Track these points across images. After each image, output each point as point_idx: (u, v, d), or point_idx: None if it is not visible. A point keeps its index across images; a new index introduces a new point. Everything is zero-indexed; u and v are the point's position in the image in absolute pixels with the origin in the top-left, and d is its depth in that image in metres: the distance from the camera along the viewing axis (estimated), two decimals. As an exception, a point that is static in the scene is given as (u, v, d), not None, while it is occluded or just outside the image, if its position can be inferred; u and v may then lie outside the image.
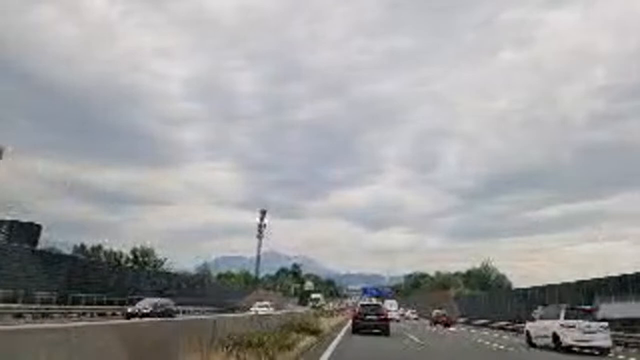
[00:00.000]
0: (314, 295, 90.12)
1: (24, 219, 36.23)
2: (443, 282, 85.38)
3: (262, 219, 63.35)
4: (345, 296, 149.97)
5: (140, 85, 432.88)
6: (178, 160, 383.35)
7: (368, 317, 22.82)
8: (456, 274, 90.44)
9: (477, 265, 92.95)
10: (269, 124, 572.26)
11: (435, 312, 42.55)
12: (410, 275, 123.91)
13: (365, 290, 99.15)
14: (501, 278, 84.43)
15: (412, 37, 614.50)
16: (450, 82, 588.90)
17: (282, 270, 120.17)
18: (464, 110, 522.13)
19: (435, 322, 40.58)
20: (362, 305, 25.41)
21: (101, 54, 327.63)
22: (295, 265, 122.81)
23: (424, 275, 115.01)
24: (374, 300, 58.71)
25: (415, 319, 60.65)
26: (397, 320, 45.38)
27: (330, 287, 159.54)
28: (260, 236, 61.87)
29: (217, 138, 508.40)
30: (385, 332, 22.17)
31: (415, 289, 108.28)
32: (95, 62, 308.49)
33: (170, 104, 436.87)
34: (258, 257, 61.99)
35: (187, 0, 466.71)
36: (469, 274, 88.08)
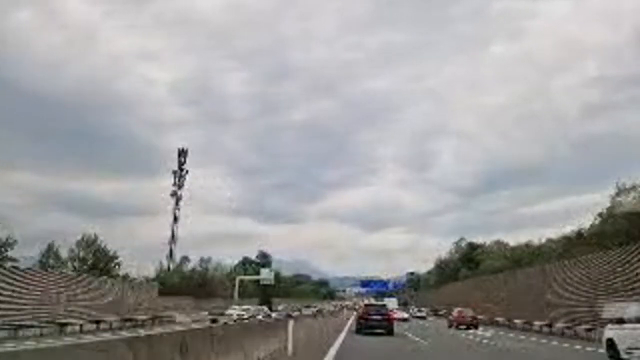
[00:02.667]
0: None
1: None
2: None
3: (180, 163, 45.59)
4: (341, 298, 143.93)
5: (129, 90, 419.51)
6: (171, 167, 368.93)
7: (372, 317, 23.31)
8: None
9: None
10: (261, 125, 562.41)
11: (457, 310, 36.30)
12: (412, 273, 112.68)
13: (363, 284, 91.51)
14: None
15: (404, 31, 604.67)
16: (445, 77, 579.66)
17: (247, 261, 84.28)
18: (459, 106, 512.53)
19: (458, 323, 33.76)
20: (367, 306, 26.27)
21: (85, 57, 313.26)
22: (264, 255, 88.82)
23: (475, 247, 65.97)
24: (372, 300, 56.39)
25: (423, 317, 55.20)
26: (405, 320, 42.74)
27: (323, 289, 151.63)
28: (177, 189, 42.31)
29: (208, 142, 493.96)
30: (389, 332, 22.55)
31: (442, 280, 69.75)
32: (79, 66, 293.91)
33: (160, 108, 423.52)
34: (172, 243, 42.73)
35: (174, 0, 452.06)
36: None
